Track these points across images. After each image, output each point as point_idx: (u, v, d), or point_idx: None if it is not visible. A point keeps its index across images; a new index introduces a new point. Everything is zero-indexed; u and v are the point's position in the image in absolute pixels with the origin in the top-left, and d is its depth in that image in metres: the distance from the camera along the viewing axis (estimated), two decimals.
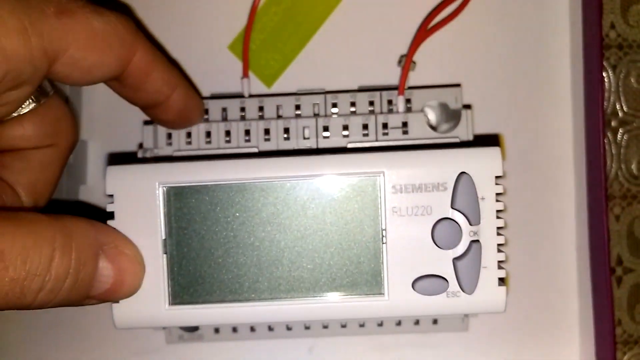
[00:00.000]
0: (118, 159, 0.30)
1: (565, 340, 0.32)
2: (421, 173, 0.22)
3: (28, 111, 0.22)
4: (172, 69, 0.24)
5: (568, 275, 0.31)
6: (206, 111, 0.29)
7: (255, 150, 0.28)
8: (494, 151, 0.22)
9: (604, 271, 0.28)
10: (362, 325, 0.29)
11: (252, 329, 0.29)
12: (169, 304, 0.23)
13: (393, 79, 0.31)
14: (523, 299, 0.31)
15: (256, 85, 0.32)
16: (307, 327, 0.30)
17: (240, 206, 0.23)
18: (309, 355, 0.32)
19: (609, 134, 0.32)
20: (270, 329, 0.29)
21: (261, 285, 0.23)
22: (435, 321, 0.29)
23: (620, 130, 0.33)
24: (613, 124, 0.33)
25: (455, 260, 0.22)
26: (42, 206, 0.24)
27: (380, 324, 0.29)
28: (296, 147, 0.28)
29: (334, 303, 0.23)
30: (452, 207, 0.22)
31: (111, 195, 0.23)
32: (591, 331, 0.30)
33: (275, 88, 0.32)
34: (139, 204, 0.23)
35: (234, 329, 0.29)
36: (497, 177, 0.22)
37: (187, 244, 0.23)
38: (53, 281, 0.19)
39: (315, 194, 0.23)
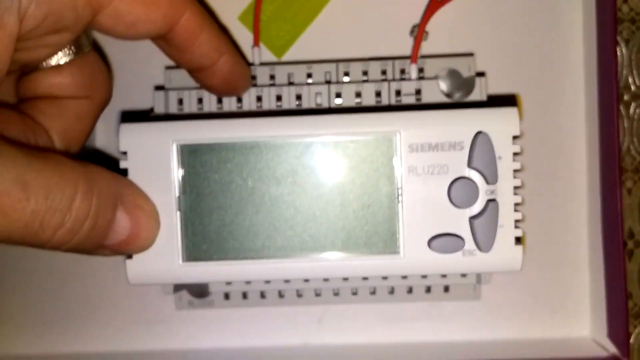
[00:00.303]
0: (131, 116, 0.29)
1: (576, 313, 0.31)
2: (438, 132, 0.22)
3: (66, 61, 0.22)
4: (221, 35, 0.24)
5: (579, 248, 0.31)
6: None
7: None
8: (512, 111, 0.22)
9: (616, 244, 0.28)
10: (372, 293, 0.29)
11: (263, 295, 0.29)
12: (183, 261, 0.23)
13: (405, 49, 0.31)
14: (534, 271, 0.31)
15: (266, 56, 0.31)
16: (317, 294, 0.29)
17: (255, 164, 0.23)
18: (319, 325, 0.32)
19: (621, 108, 0.32)
20: (280, 295, 0.29)
21: (275, 243, 0.23)
22: (446, 289, 0.29)
23: (633, 104, 0.33)
24: (625, 97, 0.32)
25: (472, 219, 0.22)
26: (74, 153, 0.24)
27: (392, 292, 0.29)
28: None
29: (349, 261, 0.23)
30: (468, 166, 0.22)
31: (125, 153, 0.23)
32: (603, 304, 0.30)
33: (286, 59, 0.32)
34: (152, 162, 0.22)
35: (244, 295, 0.29)
36: (514, 137, 0.22)
37: (201, 202, 0.23)
38: (72, 221, 0.19)
39: (331, 152, 0.23)
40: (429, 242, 0.22)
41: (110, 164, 0.30)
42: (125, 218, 0.21)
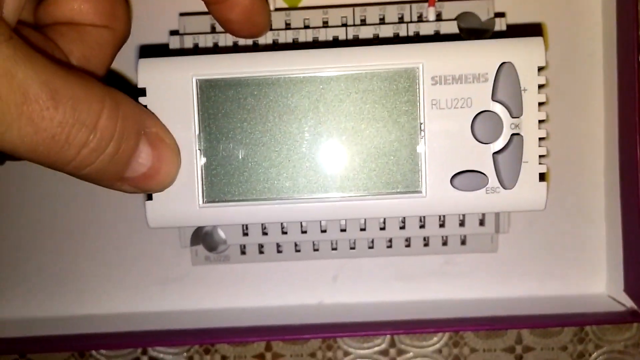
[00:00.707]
0: (149, 52, 0.29)
1: (592, 269, 0.31)
2: (462, 64, 0.22)
3: None
4: None
5: (596, 202, 0.31)
6: None
7: None
8: (537, 41, 0.22)
9: (635, 199, 0.28)
10: (389, 246, 0.29)
11: (279, 249, 0.29)
12: (203, 202, 0.22)
13: None
14: (551, 225, 0.30)
15: (281, 6, 0.31)
16: (334, 248, 0.29)
17: (275, 100, 0.22)
18: (334, 283, 0.31)
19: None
20: (297, 249, 0.29)
21: (295, 183, 0.23)
22: (463, 241, 0.28)
23: None
24: None
25: (495, 154, 0.22)
26: None
27: (408, 245, 0.29)
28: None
29: (371, 201, 0.22)
30: (492, 99, 0.22)
31: (143, 89, 0.22)
32: (620, 259, 0.30)
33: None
34: (172, 98, 0.22)
35: (261, 250, 0.29)
36: (539, 68, 0.22)
37: (221, 140, 0.22)
38: (97, 140, 0.19)
39: (351, 86, 0.22)
40: (452, 179, 0.22)
41: None
42: (147, 150, 0.21)
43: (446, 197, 0.22)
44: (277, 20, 0.29)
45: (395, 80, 0.22)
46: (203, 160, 0.23)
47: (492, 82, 0.22)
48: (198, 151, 0.22)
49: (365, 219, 0.27)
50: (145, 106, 0.22)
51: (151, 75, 0.22)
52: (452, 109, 0.22)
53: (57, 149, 0.18)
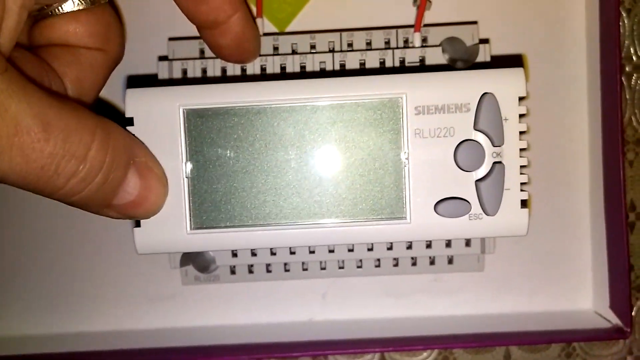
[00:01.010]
0: (136, 82, 0.29)
1: (578, 285, 0.32)
2: (444, 94, 0.22)
3: (82, 9, 0.22)
4: None
5: (582, 220, 0.31)
6: None
7: None
8: (518, 71, 0.22)
9: (619, 216, 0.28)
10: (377, 266, 0.29)
11: (268, 269, 0.29)
12: (190, 228, 0.23)
13: (408, 19, 0.31)
14: (537, 243, 0.31)
15: (268, 29, 0.31)
16: (322, 268, 0.29)
17: (261, 129, 0.23)
18: (323, 300, 0.32)
19: (623, 79, 0.32)
20: (286, 269, 0.29)
21: (282, 210, 0.23)
22: (450, 260, 0.29)
23: (635, 75, 0.33)
24: (627, 69, 0.32)
25: (478, 182, 0.22)
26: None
27: (396, 264, 0.29)
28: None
29: (356, 227, 0.23)
30: (474, 129, 0.22)
31: (131, 118, 0.23)
32: (605, 276, 0.30)
33: (288, 32, 0.32)
34: (159, 127, 0.22)
35: (250, 270, 0.29)
36: (520, 98, 0.22)
37: (208, 168, 0.23)
38: (87, 170, 0.19)
39: (337, 116, 0.23)
40: (435, 206, 0.22)
41: None
42: (136, 178, 0.21)
43: (430, 223, 0.22)
44: (266, 44, 0.29)
45: (379, 109, 0.23)
46: (190, 187, 0.23)
47: (474, 111, 0.22)
48: (185, 179, 0.23)
49: None
50: (133, 135, 0.23)
51: (139, 105, 0.22)
52: (435, 137, 0.22)
53: (46, 178, 0.18)
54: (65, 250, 0.31)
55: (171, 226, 0.22)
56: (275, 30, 0.32)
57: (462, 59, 0.28)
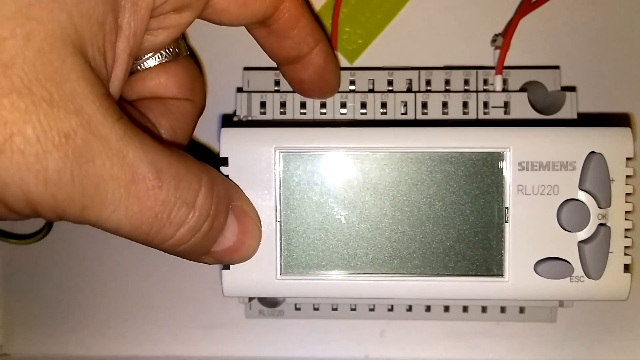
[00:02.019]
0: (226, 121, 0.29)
1: None
2: (550, 150, 0.21)
3: (170, 61, 0.22)
4: (315, 21, 0.24)
5: None
6: None
7: (353, 122, 0.27)
8: (625, 131, 0.21)
9: None
10: (446, 311, 0.29)
11: (334, 308, 0.29)
12: (280, 274, 0.22)
13: (481, 59, 0.30)
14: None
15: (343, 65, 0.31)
16: (389, 309, 0.29)
17: (357, 175, 0.22)
18: (381, 338, 0.31)
19: None
20: (352, 309, 0.29)
21: (374, 260, 0.22)
22: (522, 309, 0.28)
23: None
24: None
25: (581, 243, 0.22)
26: None
27: (465, 310, 0.29)
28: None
29: (449, 282, 0.22)
30: (580, 188, 0.21)
31: (225, 159, 0.22)
32: None
33: (357, 65, 0.31)
34: (253, 168, 0.22)
35: (315, 307, 0.29)
36: (627, 159, 0.22)
37: (300, 213, 0.22)
38: (195, 218, 0.19)
39: (436, 166, 0.22)
40: (535, 266, 0.22)
41: None
42: (234, 224, 0.21)
43: (529, 283, 0.22)
44: (343, 79, 0.28)
45: (481, 162, 0.22)
46: (282, 232, 0.22)
47: (580, 170, 0.21)
48: (277, 223, 0.22)
49: None
50: (227, 176, 0.22)
51: (233, 145, 0.22)
52: (538, 195, 0.21)
53: (158, 227, 0.18)
54: (117, 271, 0.31)
55: (260, 270, 0.22)
56: (345, 62, 0.31)
57: (546, 106, 0.28)
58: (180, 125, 0.23)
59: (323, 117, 0.27)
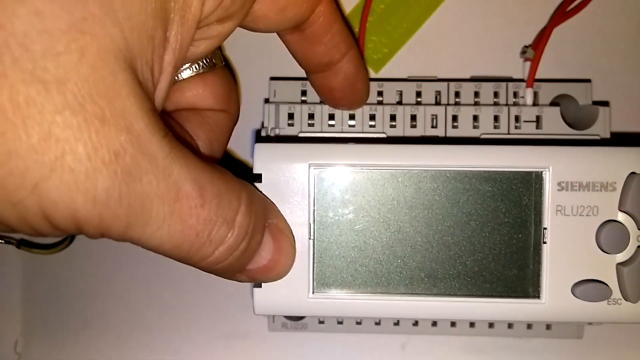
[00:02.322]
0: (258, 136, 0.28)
1: None
2: (589, 170, 0.21)
3: (207, 72, 0.22)
4: (347, 28, 0.24)
5: None
6: None
7: (383, 134, 0.26)
8: None
9: None
10: (472, 326, 0.28)
11: (358, 322, 0.28)
12: (312, 292, 0.22)
13: (508, 70, 0.30)
14: None
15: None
16: (414, 324, 0.28)
17: (393, 193, 0.22)
18: (402, 351, 0.31)
19: None
20: (376, 323, 0.28)
21: (408, 279, 0.22)
22: (548, 326, 0.28)
23: None
24: None
25: (620, 265, 0.21)
26: None
27: (491, 326, 0.28)
28: (423, 135, 0.27)
29: (485, 303, 0.22)
30: (620, 209, 0.21)
31: (259, 175, 0.21)
32: None
33: (383, 74, 0.31)
34: (287, 185, 0.21)
35: (339, 321, 0.28)
36: None
37: (334, 230, 0.22)
38: (235, 237, 0.18)
39: (473, 185, 0.22)
40: (573, 288, 0.21)
41: None
42: (270, 242, 0.20)
43: (566, 306, 0.21)
44: (370, 89, 0.28)
45: (519, 182, 0.22)
46: (315, 249, 0.22)
47: (620, 191, 0.21)
48: (310, 240, 0.22)
49: None
50: (261, 193, 0.22)
51: (268, 161, 0.21)
52: (577, 216, 0.21)
53: (198, 246, 0.18)
54: (138, 280, 0.30)
55: (292, 289, 0.21)
56: (370, 72, 0.31)
57: (578, 120, 0.27)
58: (217, 136, 0.22)
59: (352, 129, 0.27)
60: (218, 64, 0.23)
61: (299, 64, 0.25)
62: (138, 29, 0.16)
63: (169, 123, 0.20)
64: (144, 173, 0.16)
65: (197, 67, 0.22)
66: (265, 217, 0.20)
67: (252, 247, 0.20)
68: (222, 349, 0.30)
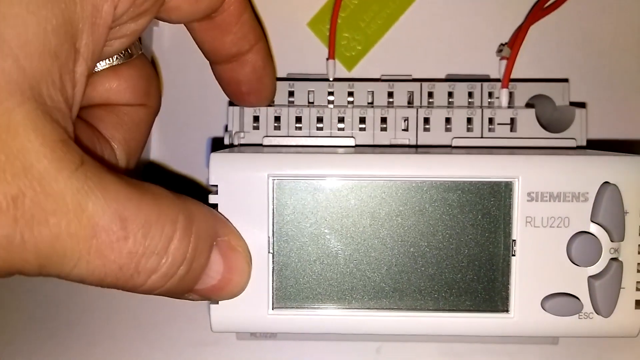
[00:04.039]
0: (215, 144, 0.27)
1: None
2: (561, 180, 0.20)
3: (123, 63, 0.21)
4: (256, 19, 0.23)
5: None
6: (291, 93, 0.27)
7: (352, 139, 0.25)
8: None
9: None
10: None
11: None
12: (272, 308, 0.21)
13: (485, 67, 0.29)
14: None
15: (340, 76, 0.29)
16: None
17: (355, 205, 0.21)
18: (377, 355, 0.30)
19: None
20: None
21: (372, 293, 0.21)
22: None
23: None
24: None
25: (592, 278, 0.20)
26: (132, 167, 0.23)
27: None
28: (394, 139, 0.26)
29: (452, 317, 0.21)
30: (592, 220, 0.20)
31: (214, 186, 0.20)
32: None
33: (356, 72, 0.30)
34: (245, 197, 0.20)
35: None
36: None
37: (295, 244, 0.21)
38: (168, 265, 0.17)
39: (439, 195, 0.21)
40: (543, 301, 0.20)
41: (166, 178, 0.28)
42: (219, 261, 0.19)
43: (535, 320, 0.20)
44: (340, 90, 0.27)
45: (487, 192, 0.21)
46: (274, 264, 0.21)
47: (593, 202, 0.20)
48: (269, 254, 0.21)
49: None
50: (216, 204, 0.21)
51: (224, 172, 0.20)
52: (547, 227, 0.20)
53: (126, 277, 0.17)
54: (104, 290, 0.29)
55: (251, 305, 0.21)
56: (343, 70, 0.30)
57: (553, 122, 0.26)
58: (134, 136, 0.22)
59: (319, 132, 0.26)
60: (135, 54, 0.22)
61: (205, 55, 0.24)
62: (38, 53, 0.15)
63: (79, 132, 0.19)
64: (51, 214, 0.15)
65: (111, 59, 0.21)
66: (213, 235, 0.19)
67: (195, 270, 0.19)
68: (191, 357, 0.30)
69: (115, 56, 0.21)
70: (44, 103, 0.15)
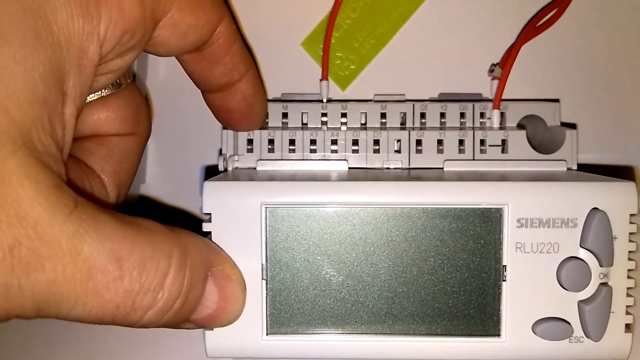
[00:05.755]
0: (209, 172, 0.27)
1: None
2: (550, 206, 0.20)
3: (112, 94, 0.21)
4: (246, 48, 0.23)
5: None
6: (285, 115, 0.27)
7: (344, 162, 0.26)
8: (629, 186, 0.20)
9: None
10: None
11: None
12: (266, 334, 0.21)
13: (477, 86, 0.29)
14: None
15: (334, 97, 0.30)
16: None
17: (349, 232, 0.21)
18: None
19: None
20: None
21: (366, 319, 0.21)
22: None
23: None
24: None
25: (582, 303, 0.21)
26: (122, 198, 0.23)
27: None
28: (386, 160, 0.26)
29: (444, 342, 0.21)
30: (581, 246, 0.21)
31: (208, 214, 0.21)
32: None
33: (350, 91, 0.30)
34: (239, 225, 0.21)
35: None
36: (631, 215, 0.21)
37: (288, 270, 0.21)
38: (164, 300, 0.18)
39: (431, 222, 0.21)
40: (534, 326, 0.21)
41: (160, 207, 0.28)
42: (214, 290, 0.20)
43: (527, 344, 0.21)
44: (333, 112, 0.27)
45: (478, 219, 0.21)
46: (269, 290, 0.21)
47: (582, 228, 0.20)
48: (263, 281, 0.21)
49: None
50: (209, 233, 0.21)
51: (217, 200, 0.21)
52: (537, 253, 0.20)
53: (123, 315, 0.17)
54: None
55: (246, 331, 0.21)
56: (337, 89, 0.30)
57: (544, 143, 0.27)
58: (124, 166, 0.22)
59: (313, 155, 0.26)
60: (124, 83, 0.22)
61: (195, 84, 0.24)
62: (27, 101, 0.15)
63: (71, 164, 0.19)
64: (46, 260, 0.15)
65: (100, 92, 0.21)
66: (207, 266, 0.19)
67: (192, 302, 0.19)
68: None
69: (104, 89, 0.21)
70: (35, 149, 0.15)
